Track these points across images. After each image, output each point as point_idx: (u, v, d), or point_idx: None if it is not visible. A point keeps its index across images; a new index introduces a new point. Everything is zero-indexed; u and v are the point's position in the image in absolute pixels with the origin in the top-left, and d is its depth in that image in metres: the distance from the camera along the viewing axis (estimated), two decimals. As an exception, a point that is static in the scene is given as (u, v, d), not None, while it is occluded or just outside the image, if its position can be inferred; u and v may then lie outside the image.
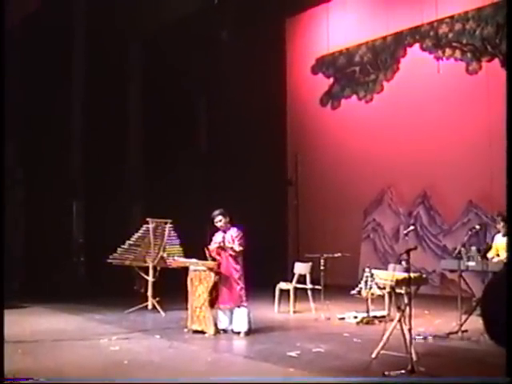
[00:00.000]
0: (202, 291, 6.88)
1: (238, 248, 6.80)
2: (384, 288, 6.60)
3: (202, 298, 6.87)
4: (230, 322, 6.86)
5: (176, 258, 7.97)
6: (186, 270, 7.13)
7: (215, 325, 6.81)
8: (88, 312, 8.49)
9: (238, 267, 6.83)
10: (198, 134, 12.81)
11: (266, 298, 9.06)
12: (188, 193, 11.95)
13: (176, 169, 11.89)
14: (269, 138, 12.67)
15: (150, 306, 8.58)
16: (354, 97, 12.26)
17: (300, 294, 8.59)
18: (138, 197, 11.91)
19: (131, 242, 8.84)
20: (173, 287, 8.32)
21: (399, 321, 5.38)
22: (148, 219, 8.85)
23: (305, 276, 8.64)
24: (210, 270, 6.84)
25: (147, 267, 8.78)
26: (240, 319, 6.79)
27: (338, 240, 11.71)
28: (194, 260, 7.07)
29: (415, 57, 11.09)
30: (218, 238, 6.99)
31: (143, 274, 8.83)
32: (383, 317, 7.28)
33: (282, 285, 8.69)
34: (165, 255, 8.77)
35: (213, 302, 6.85)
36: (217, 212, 7.02)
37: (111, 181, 11.37)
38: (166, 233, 8.83)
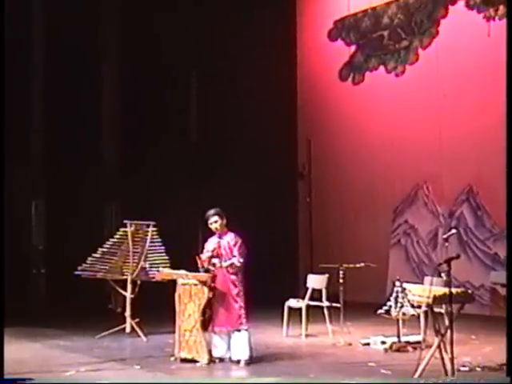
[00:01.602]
0: (192, 310, 6.91)
1: (238, 262, 6.83)
2: (419, 306, 6.61)
3: (192, 318, 6.90)
4: (228, 348, 6.89)
5: (161, 269, 8.00)
6: (173, 284, 7.16)
7: (209, 352, 6.83)
8: (51, 337, 8.50)
9: (237, 281, 6.87)
10: (186, 117, 12.81)
11: (273, 318, 9.09)
12: (175, 189, 11.98)
13: (160, 160, 11.92)
14: (275, 122, 12.68)
15: (128, 329, 8.60)
16: (382, 69, 12.25)
17: (314, 313, 8.62)
18: (114, 194, 11.95)
19: (105, 250, 8.86)
20: (157, 305, 8.32)
21: (438, 347, 5.39)
22: (126, 221, 8.87)
23: (320, 291, 8.68)
24: (203, 284, 6.86)
25: (125, 281, 8.80)
26: (239, 345, 6.81)
27: (360, 247, 11.75)
28: (182, 272, 7.10)
29: (459, 17, 10.96)
30: (211, 244, 7.02)
31: (120, 290, 8.85)
32: (418, 342, 7.28)
33: (292, 302, 8.71)
34: (147, 266, 8.79)
35: (206, 323, 6.88)
36: (212, 212, 7.05)
37: (80, 174, 11.40)
38: (149, 238, 8.85)
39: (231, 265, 6.85)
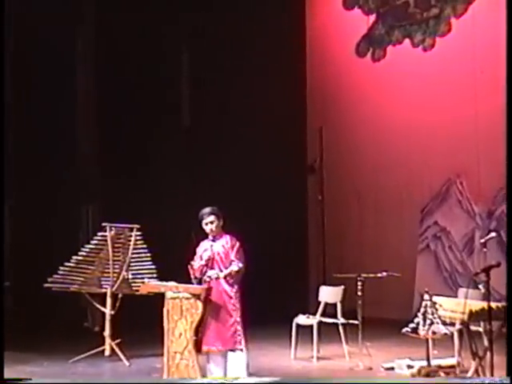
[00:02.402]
0: (184, 329, 6.90)
1: (237, 267, 6.87)
2: (452, 324, 6.56)
3: (184, 338, 6.89)
4: (225, 372, 6.91)
5: (146, 280, 8.00)
6: (160, 298, 7.16)
7: (203, 377, 6.83)
8: (16, 361, 8.40)
9: (233, 291, 6.91)
10: (177, 101, 12.79)
11: (278, 337, 9.13)
12: (163, 186, 11.99)
13: (146, 152, 11.93)
14: (280, 106, 12.66)
15: (107, 352, 8.61)
16: (407, 42, 12.22)
17: (327, 331, 8.63)
18: (92, 193, 11.94)
19: (80, 258, 8.87)
20: (141, 323, 8.34)
21: (476, 373, 5.34)
22: (105, 224, 8.86)
23: (334, 306, 8.70)
24: (197, 297, 6.86)
25: (103, 294, 8.80)
26: (235, 368, 6.83)
27: (382, 253, 11.76)
28: (172, 284, 7.10)
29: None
30: (203, 249, 7.05)
31: (97, 305, 8.86)
32: (452, 367, 7.25)
33: (301, 319, 8.72)
34: (130, 276, 8.80)
35: (200, 344, 6.89)
36: (208, 210, 7.06)
37: (50, 170, 11.38)
38: (132, 244, 8.85)
39: (229, 274, 6.87)
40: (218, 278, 6.92)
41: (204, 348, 6.87)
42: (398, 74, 12.22)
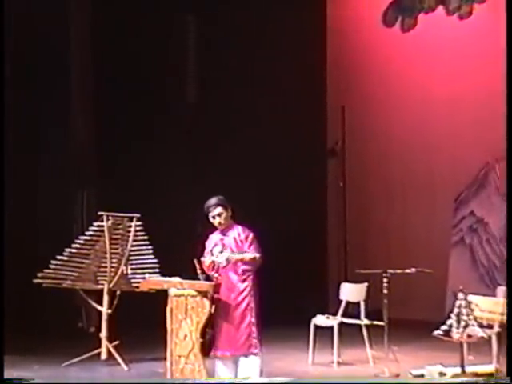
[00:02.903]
0: (189, 330, 6.94)
1: (251, 255, 6.90)
2: (489, 326, 6.52)
3: (189, 340, 6.94)
4: (235, 378, 6.95)
5: (147, 275, 8.03)
6: (163, 295, 7.21)
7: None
8: (3, 364, 8.52)
9: (248, 289, 6.94)
10: (181, 76, 12.76)
11: (295, 340, 9.16)
12: (167, 172, 12.02)
13: (147, 133, 11.94)
14: (297, 82, 12.63)
15: (104, 355, 8.65)
16: (440, 9, 12.14)
17: (349, 333, 8.67)
18: (87, 178, 11.96)
19: (73, 251, 8.90)
20: (142, 324, 8.36)
21: (515, 380, 5.32)
22: (101, 213, 8.88)
23: (357, 305, 8.73)
24: (203, 295, 6.90)
25: (100, 291, 8.84)
26: (247, 374, 6.87)
27: (411, 246, 11.76)
28: (176, 279, 7.15)
29: None
30: (210, 242, 7.10)
31: (93, 303, 8.90)
32: (490, 375, 7.23)
33: (320, 319, 8.74)
34: (129, 271, 8.82)
35: (207, 347, 6.93)
36: (214, 201, 7.09)
37: (41, 152, 11.43)
38: (131, 235, 8.87)
39: (242, 259, 6.88)
40: (225, 267, 6.94)
41: (218, 353, 6.93)
42: (431, 46, 12.15)
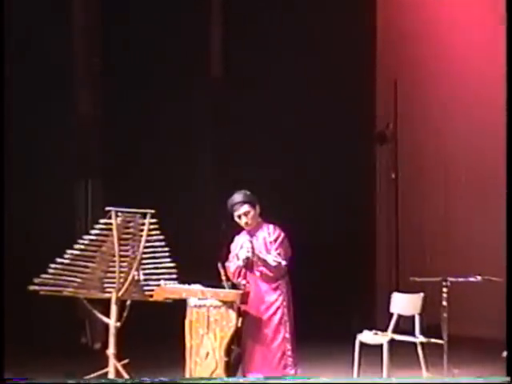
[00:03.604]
0: (212, 347, 7.00)
1: (274, 262, 6.89)
2: None
3: (212, 359, 6.98)
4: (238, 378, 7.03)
5: (163, 283, 8.04)
6: (181, 306, 7.25)
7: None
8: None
9: (280, 299, 6.95)
10: (205, 45, 12.82)
11: (337, 359, 9.19)
12: (186, 160, 12.07)
13: (162, 114, 11.99)
14: (340, 52, 12.63)
15: (111, 375, 8.64)
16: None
17: (402, 352, 8.62)
18: (93, 167, 12.03)
19: (76, 253, 8.90)
20: (156, 339, 8.37)
21: None
22: (109, 209, 8.89)
23: (411, 319, 8.66)
24: (229, 305, 6.93)
25: (107, 301, 8.85)
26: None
27: (475, 250, 11.72)
28: (197, 287, 7.20)
29: None
30: (236, 245, 7.14)
31: (99, 314, 8.91)
32: None
33: (367, 336, 8.68)
34: (141, 277, 8.82)
35: (233, 367, 6.98)
36: (239, 198, 7.12)
37: (42, 138, 11.50)
38: (144, 235, 8.87)
39: (266, 264, 6.90)
40: (252, 271, 7.00)
41: (250, 375, 6.93)
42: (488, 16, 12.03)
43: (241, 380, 6.77)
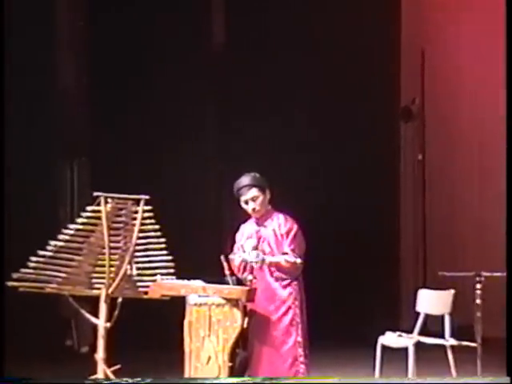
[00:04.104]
0: (214, 350, 7.00)
1: (291, 259, 6.90)
2: None
3: (214, 364, 6.99)
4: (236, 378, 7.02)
5: (159, 278, 8.03)
6: (180, 304, 7.27)
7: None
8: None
9: (291, 298, 6.96)
10: (205, 11, 12.82)
11: (357, 363, 9.25)
12: (184, 139, 12.09)
13: (157, 88, 12.04)
14: (360, 18, 12.68)
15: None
16: None
17: (429, 357, 8.71)
18: (79, 146, 12.04)
19: (61, 244, 8.91)
20: (151, 342, 8.38)
21: None
22: (98, 194, 8.89)
23: (440, 319, 8.69)
24: (233, 304, 6.93)
25: (96, 299, 8.85)
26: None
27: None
28: (197, 283, 7.20)
29: None
30: (244, 235, 7.14)
31: (86, 314, 8.92)
32: None
33: (390, 338, 8.72)
34: (134, 272, 8.83)
35: (238, 372, 6.96)
36: (246, 180, 7.12)
37: (19, 113, 11.48)
38: (138, 224, 8.86)
39: (277, 265, 6.89)
40: (260, 267, 6.98)
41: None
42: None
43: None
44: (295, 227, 7.03)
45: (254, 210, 7.06)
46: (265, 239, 7.04)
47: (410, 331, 8.69)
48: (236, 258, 7.08)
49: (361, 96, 12.62)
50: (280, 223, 7.05)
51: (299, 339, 6.92)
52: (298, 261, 6.93)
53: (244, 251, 7.04)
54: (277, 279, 6.97)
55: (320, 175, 12.12)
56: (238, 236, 7.24)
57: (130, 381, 7.10)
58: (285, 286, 6.96)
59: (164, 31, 12.14)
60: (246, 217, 7.24)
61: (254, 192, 7.04)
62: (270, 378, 6.72)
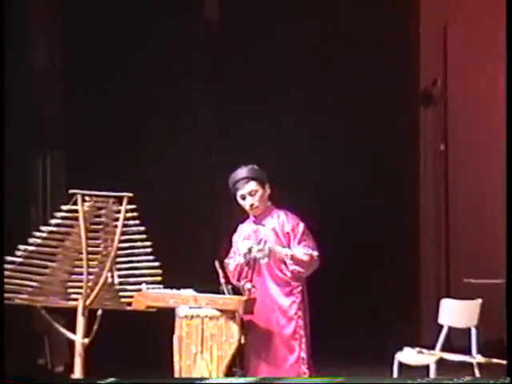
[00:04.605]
0: (208, 369, 7.03)
1: (305, 250, 6.93)
2: None
3: (208, 385, 7.04)
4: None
5: (144, 287, 8.06)
6: (169, 316, 7.27)
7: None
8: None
9: (294, 307, 7.01)
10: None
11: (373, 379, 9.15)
12: (171, 128, 12.16)
13: (141, 69, 12.12)
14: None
15: (78, 406, 8.68)
16: None
17: (453, 375, 8.44)
18: (53, 137, 12.05)
19: (32, 249, 8.90)
20: (136, 360, 8.36)
21: None
22: (74, 191, 8.86)
23: (466, 333, 8.69)
24: (230, 316, 6.95)
25: (72, 311, 8.84)
26: None
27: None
28: (188, 292, 7.23)
29: None
30: (241, 236, 7.19)
31: (61, 328, 8.91)
32: None
33: (409, 355, 8.76)
34: (115, 281, 8.82)
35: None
36: (244, 173, 7.17)
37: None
38: (120, 225, 8.85)
39: (296, 259, 6.89)
40: (259, 274, 7.00)
41: None
42: None
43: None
44: (301, 224, 7.10)
45: (252, 206, 7.10)
46: (267, 237, 7.05)
47: (432, 347, 8.72)
48: (231, 262, 7.11)
49: (376, 78, 12.65)
50: (282, 221, 7.11)
51: (303, 355, 6.96)
52: (315, 253, 6.99)
53: (239, 254, 7.05)
54: (278, 284, 7.00)
55: (328, 167, 12.10)
56: (235, 237, 7.28)
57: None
58: (287, 294, 7.00)
59: (151, 12, 12.18)
60: (244, 215, 7.26)
61: (253, 186, 7.09)
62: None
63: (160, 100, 12.03)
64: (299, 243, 7.00)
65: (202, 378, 6.89)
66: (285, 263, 6.97)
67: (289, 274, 6.97)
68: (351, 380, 6.85)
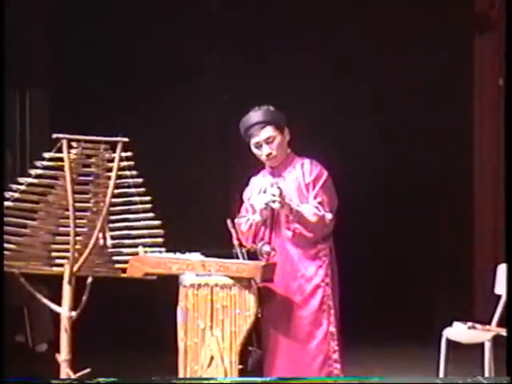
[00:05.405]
0: (219, 348, 7.07)
1: (314, 216, 6.89)
2: None
3: (219, 366, 7.05)
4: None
5: (142, 250, 8.09)
6: (172, 286, 7.32)
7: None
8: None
9: (321, 274, 7.02)
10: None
11: (415, 362, 9.40)
12: (176, 64, 12.28)
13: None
14: None
15: (65, 390, 8.77)
16: None
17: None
18: (31, 72, 12.11)
19: (9, 205, 8.96)
20: (133, 337, 8.46)
21: None
22: (59, 136, 8.92)
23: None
24: (245, 285, 6.95)
25: (57, 279, 8.92)
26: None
27: None
28: (195, 257, 7.29)
29: None
30: (254, 190, 7.16)
31: (45, 299, 8.99)
32: None
33: (459, 331, 8.84)
34: (108, 243, 8.88)
35: (250, 375, 7.02)
36: (258, 116, 7.14)
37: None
38: (114, 176, 8.90)
39: (303, 220, 6.87)
40: (272, 230, 7.02)
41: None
42: None
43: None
44: (325, 174, 7.06)
45: (269, 155, 7.07)
46: (286, 192, 6.98)
47: (487, 322, 8.80)
48: (243, 221, 7.11)
49: (418, 11, 12.80)
50: (305, 170, 7.08)
51: (332, 329, 6.97)
52: (329, 216, 6.92)
53: (254, 212, 7.05)
54: (301, 246, 6.98)
55: (360, 119, 12.19)
56: (247, 193, 7.28)
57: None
58: (312, 258, 6.99)
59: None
60: (258, 167, 7.28)
61: (269, 131, 7.05)
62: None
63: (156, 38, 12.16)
64: (315, 197, 6.95)
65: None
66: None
67: (288, 234, 6.97)
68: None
